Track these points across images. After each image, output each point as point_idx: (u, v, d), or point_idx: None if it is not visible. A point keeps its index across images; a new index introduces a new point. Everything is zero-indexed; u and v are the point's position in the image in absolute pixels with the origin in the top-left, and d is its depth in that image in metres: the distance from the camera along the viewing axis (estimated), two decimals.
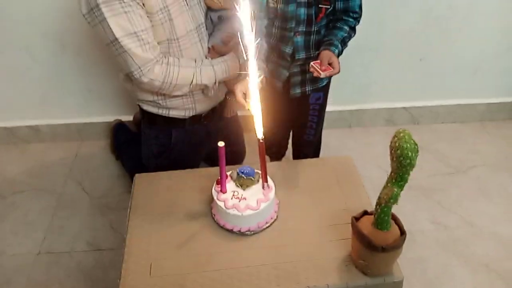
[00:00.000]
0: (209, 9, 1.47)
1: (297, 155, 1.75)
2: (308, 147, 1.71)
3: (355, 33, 1.39)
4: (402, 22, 1.91)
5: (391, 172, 0.92)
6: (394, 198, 0.91)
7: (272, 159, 1.81)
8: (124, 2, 1.22)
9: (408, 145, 0.85)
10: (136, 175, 1.36)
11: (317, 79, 1.40)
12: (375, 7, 1.80)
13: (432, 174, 1.98)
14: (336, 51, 1.31)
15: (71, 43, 1.89)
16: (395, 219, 1.02)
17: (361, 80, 2.09)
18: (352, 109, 2.19)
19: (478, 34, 1.98)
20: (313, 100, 1.54)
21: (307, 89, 1.49)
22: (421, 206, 1.82)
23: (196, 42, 1.42)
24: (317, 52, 1.36)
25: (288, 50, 1.38)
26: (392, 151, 0.87)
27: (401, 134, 0.86)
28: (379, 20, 1.88)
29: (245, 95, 1.21)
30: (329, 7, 1.32)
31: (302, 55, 1.39)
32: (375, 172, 1.92)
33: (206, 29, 1.46)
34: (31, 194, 1.90)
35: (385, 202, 0.92)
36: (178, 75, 1.34)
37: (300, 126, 1.64)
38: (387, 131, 2.15)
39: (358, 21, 1.38)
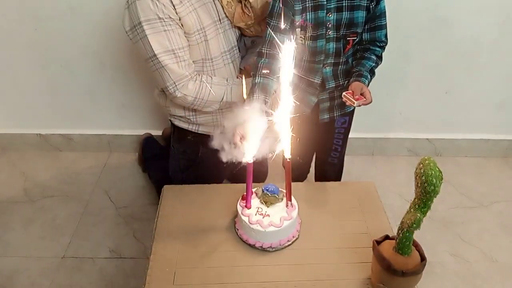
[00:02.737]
0: (243, 34, 1.55)
1: (319, 177, 1.78)
2: (331, 170, 1.73)
3: (381, 61, 1.43)
4: (429, 55, 1.95)
5: (415, 198, 0.95)
6: (417, 223, 0.93)
7: (293, 181, 1.82)
8: (164, 21, 1.30)
9: (433, 172, 0.88)
10: (165, 186, 1.41)
11: (344, 105, 1.43)
12: (403, 39, 1.85)
13: (454, 206, 1.97)
14: (366, 81, 1.36)
15: (109, 60, 2.00)
16: (416, 245, 1.03)
17: (386, 109, 2.12)
18: (375, 137, 2.22)
19: (503, 70, 2.00)
20: (338, 124, 1.58)
21: (335, 115, 1.52)
22: (442, 238, 1.82)
23: (228, 63, 1.49)
24: (346, 80, 1.41)
25: (317, 80, 1.42)
26: (417, 177, 0.90)
27: (427, 162, 0.89)
28: (406, 51, 1.92)
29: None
30: (356, 38, 1.37)
31: (332, 84, 1.43)
32: (396, 200, 1.94)
33: (239, 51, 1.54)
34: (59, 200, 1.98)
35: (408, 226, 0.94)
36: (210, 92, 1.40)
37: (325, 149, 1.67)
38: (409, 161, 2.21)
39: (384, 49, 1.42)
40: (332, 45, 1.35)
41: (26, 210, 1.92)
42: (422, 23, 1.86)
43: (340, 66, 1.41)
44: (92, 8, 1.84)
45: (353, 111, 1.60)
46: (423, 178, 0.88)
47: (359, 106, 1.32)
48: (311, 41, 1.34)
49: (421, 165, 0.90)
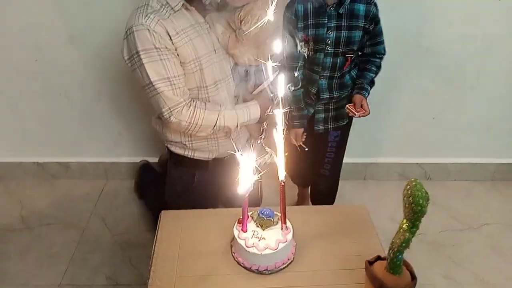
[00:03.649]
0: (236, 64, 1.62)
1: (314, 188, 1.90)
2: (324, 182, 1.84)
3: (380, 70, 1.60)
4: (416, 81, 2.04)
5: (404, 219, 1.00)
6: (406, 243, 0.98)
7: (299, 187, 2.00)
8: (161, 51, 1.36)
9: (420, 193, 0.93)
10: (163, 212, 1.44)
11: (338, 118, 1.61)
12: (391, 66, 1.91)
13: (444, 229, 2.02)
14: (366, 94, 1.55)
15: (106, 90, 2.07)
16: (407, 265, 1.07)
17: (376, 134, 2.20)
18: (366, 162, 2.28)
19: (487, 96, 2.09)
20: (331, 137, 1.71)
21: (329, 127, 1.66)
22: (433, 260, 1.86)
23: (222, 91, 1.55)
24: (340, 94, 1.57)
25: (314, 90, 1.57)
26: (405, 199, 0.95)
27: (413, 183, 0.94)
28: (394, 78, 2.00)
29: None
30: (353, 56, 1.51)
31: (325, 95, 1.58)
32: (388, 224, 1.95)
33: (233, 80, 1.60)
34: (56, 227, 2.00)
35: (398, 246, 0.99)
36: (203, 117, 1.45)
37: (318, 161, 1.79)
38: (400, 185, 2.19)
39: (383, 59, 1.59)
40: (329, 60, 1.51)
41: (23, 238, 1.94)
42: (409, 51, 1.95)
43: (334, 80, 1.55)
44: (91, 40, 1.92)
45: (347, 125, 1.72)
46: (411, 199, 0.93)
47: (359, 117, 1.50)
48: (312, 52, 1.52)
49: (408, 187, 0.95)
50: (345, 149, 1.80)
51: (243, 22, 1.45)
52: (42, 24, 1.88)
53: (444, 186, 2.28)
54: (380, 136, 2.22)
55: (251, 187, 1.18)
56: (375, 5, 1.47)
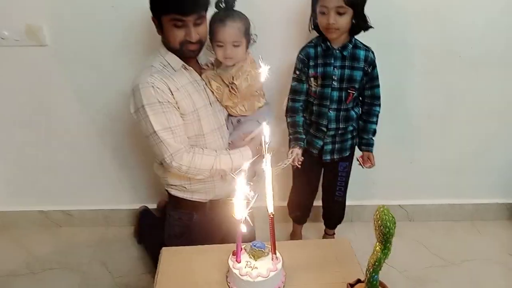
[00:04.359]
0: (230, 115, 1.82)
1: (327, 213, 2.19)
2: (337, 207, 2.15)
3: (379, 115, 1.90)
4: (391, 128, 2.23)
5: (376, 242, 1.15)
6: (379, 262, 1.12)
7: (295, 222, 2.22)
8: (163, 104, 1.56)
9: (387, 217, 1.09)
10: (163, 248, 1.57)
11: (342, 150, 1.94)
12: None
13: (427, 266, 2.14)
14: (372, 149, 1.92)
15: (109, 140, 2.23)
16: (383, 285, 1.21)
17: (361, 179, 2.34)
18: (353, 205, 2.42)
19: (454, 140, 2.29)
20: (341, 168, 2.01)
21: (335, 157, 1.93)
22: None
23: (218, 138, 1.74)
24: (345, 125, 1.86)
25: (324, 122, 1.84)
26: (375, 222, 1.11)
27: (381, 209, 1.11)
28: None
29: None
30: (355, 92, 1.79)
31: (333, 125, 1.84)
32: None
33: (227, 128, 1.79)
34: (58, 272, 2.09)
35: (372, 266, 1.13)
36: (201, 161, 1.62)
37: (331, 189, 2.07)
38: None
39: (380, 106, 1.88)
40: (336, 93, 1.78)
41: (27, 282, 2.03)
42: (383, 104, 2.15)
43: (341, 112, 1.83)
44: (97, 97, 2.11)
45: (351, 156, 2.00)
46: (379, 222, 1.09)
47: (367, 168, 1.96)
48: (320, 88, 1.78)
49: (377, 212, 1.11)
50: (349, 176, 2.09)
51: (234, 77, 1.67)
52: (51, 82, 2.07)
53: (425, 226, 2.42)
54: (364, 180, 2.38)
55: (245, 219, 1.33)
56: (373, 52, 1.77)
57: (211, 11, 1.61)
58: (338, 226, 2.37)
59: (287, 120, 1.89)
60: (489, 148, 2.33)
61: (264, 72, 1.53)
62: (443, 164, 2.35)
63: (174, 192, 1.77)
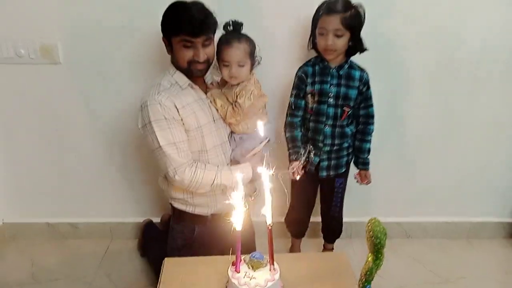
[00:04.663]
0: (232, 132, 1.90)
1: (325, 227, 2.27)
2: (335, 222, 2.23)
3: (373, 133, 2.00)
4: (390, 148, 2.32)
5: (369, 252, 1.21)
6: (371, 271, 1.19)
7: (293, 236, 2.28)
8: (169, 121, 1.65)
9: (378, 228, 1.16)
10: (166, 259, 1.63)
11: (337, 167, 2.02)
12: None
13: (424, 282, 2.18)
14: (368, 167, 2.04)
15: (116, 155, 2.32)
16: None
17: (360, 196, 2.41)
18: (352, 221, 2.47)
19: (454, 158, 2.37)
20: (337, 184, 2.09)
21: (330, 173, 2.02)
22: None
23: (220, 154, 1.81)
24: (340, 142, 1.96)
25: (320, 138, 1.93)
26: (367, 233, 1.18)
27: (373, 221, 1.18)
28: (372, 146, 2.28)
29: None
30: (349, 110, 1.88)
31: (329, 141, 1.93)
32: None
33: (230, 145, 1.87)
34: (64, 282, 2.15)
35: (364, 275, 1.20)
36: (203, 176, 1.69)
37: (328, 205, 2.17)
38: None
39: (374, 124, 1.98)
40: (331, 110, 1.88)
41: None
42: (382, 122, 2.22)
43: (337, 128, 1.92)
44: (106, 113, 2.21)
45: (346, 173, 2.08)
46: (371, 233, 1.16)
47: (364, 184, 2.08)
48: (316, 104, 1.88)
49: (369, 224, 1.18)
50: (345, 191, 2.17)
51: (238, 96, 1.76)
52: (63, 98, 2.18)
53: (422, 243, 2.47)
54: (363, 197, 2.44)
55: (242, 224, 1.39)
56: (367, 73, 1.89)
57: (218, 33, 1.72)
58: (338, 242, 2.43)
59: (285, 135, 1.98)
60: (486, 167, 2.40)
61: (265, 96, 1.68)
62: (440, 182, 2.41)
63: (177, 205, 1.84)
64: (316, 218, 2.29)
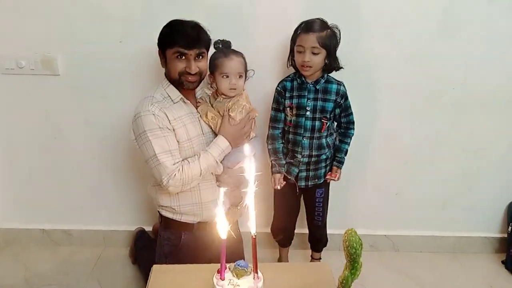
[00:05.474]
0: None
1: (311, 236, 2.35)
2: (319, 230, 2.30)
3: (352, 137, 2.09)
4: (378, 161, 2.39)
5: (346, 262, 1.26)
6: (346, 280, 1.24)
7: (280, 245, 2.34)
8: (163, 130, 1.71)
9: (354, 238, 1.22)
10: (154, 266, 1.67)
11: (316, 177, 2.10)
12: (356, 149, 2.24)
13: None
14: (342, 166, 2.10)
15: (111, 163, 2.38)
16: None
17: (348, 209, 2.48)
18: (341, 234, 2.50)
19: (441, 174, 2.42)
20: (318, 194, 2.17)
21: (309, 184, 2.09)
22: None
23: None
24: (318, 153, 2.03)
25: (299, 149, 2.01)
26: (343, 243, 1.23)
27: (349, 231, 1.23)
28: (359, 159, 2.35)
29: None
30: (328, 122, 1.97)
31: (306, 153, 2.01)
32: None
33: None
34: None
35: (340, 284, 1.25)
36: (190, 169, 1.72)
37: (311, 214, 2.25)
38: (371, 256, 2.50)
39: (354, 129, 2.07)
40: (309, 123, 1.97)
41: None
42: (370, 135, 2.32)
43: (314, 140, 1.99)
44: (103, 123, 2.28)
45: (325, 183, 2.15)
46: (347, 243, 1.21)
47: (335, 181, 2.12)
48: (295, 117, 1.98)
49: (346, 234, 1.23)
50: (328, 201, 2.23)
51: (231, 110, 1.82)
52: (61, 108, 2.25)
53: (410, 257, 2.51)
54: (352, 210, 2.50)
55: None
56: (344, 85, 1.98)
57: (211, 51, 1.80)
58: (327, 254, 2.46)
59: (268, 147, 2.09)
60: (472, 183, 2.46)
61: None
62: (427, 197, 2.47)
63: (164, 213, 1.89)
64: (304, 229, 2.34)
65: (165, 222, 1.91)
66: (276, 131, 2.06)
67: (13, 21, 2.08)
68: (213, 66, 1.81)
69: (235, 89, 1.79)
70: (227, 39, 1.80)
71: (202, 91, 1.92)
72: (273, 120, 2.05)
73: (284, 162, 2.05)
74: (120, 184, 2.43)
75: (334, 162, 2.11)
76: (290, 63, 1.99)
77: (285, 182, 2.06)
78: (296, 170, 2.06)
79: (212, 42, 1.79)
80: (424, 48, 2.15)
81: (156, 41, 1.75)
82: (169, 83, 1.79)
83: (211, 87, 1.89)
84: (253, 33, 2.10)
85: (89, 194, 2.45)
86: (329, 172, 2.10)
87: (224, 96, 1.84)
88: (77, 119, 2.28)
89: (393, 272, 2.39)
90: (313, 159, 2.03)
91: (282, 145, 2.06)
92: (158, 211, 1.92)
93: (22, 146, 2.36)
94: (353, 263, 1.24)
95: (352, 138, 2.09)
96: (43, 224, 2.51)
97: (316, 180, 2.10)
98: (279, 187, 2.05)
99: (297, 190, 2.11)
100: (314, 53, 1.85)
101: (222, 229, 1.46)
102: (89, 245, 2.51)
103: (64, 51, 2.13)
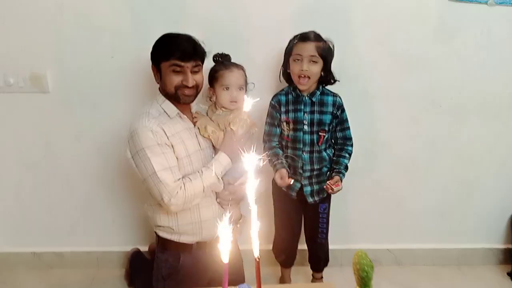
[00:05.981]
0: None
1: (311, 256, 2.24)
2: (321, 249, 2.20)
3: (351, 154, 2.00)
4: (376, 172, 2.35)
5: (356, 285, 1.20)
6: None
7: (282, 266, 2.25)
8: (162, 146, 1.65)
9: (365, 261, 1.16)
10: None
11: (320, 192, 2.01)
12: (353, 160, 2.19)
13: None
14: (343, 176, 1.94)
15: (103, 181, 2.30)
16: None
17: (349, 223, 2.43)
18: (342, 249, 2.46)
19: (440, 184, 2.39)
20: (321, 209, 2.08)
21: (316, 199, 2.03)
22: None
23: None
24: (319, 167, 1.97)
25: (300, 164, 1.94)
26: (353, 266, 1.17)
27: (360, 253, 1.17)
28: (356, 171, 2.23)
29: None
30: (325, 135, 1.92)
31: (308, 167, 1.95)
32: None
33: None
34: None
35: None
36: (193, 188, 1.67)
37: (314, 231, 2.14)
38: (374, 271, 2.41)
39: (352, 146, 1.99)
40: (307, 137, 1.92)
41: None
42: (367, 146, 2.27)
43: (314, 154, 1.94)
44: (94, 137, 2.21)
45: (328, 197, 2.06)
46: (358, 266, 1.15)
47: (335, 192, 1.89)
48: (292, 132, 1.93)
49: (356, 257, 1.17)
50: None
51: (232, 123, 1.77)
52: (51, 127, 2.18)
53: (413, 271, 2.45)
54: (353, 224, 2.44)
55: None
56: (340, 97, 1.94)
57: (207, 63, 1.76)
58: (328, 270, 2.40)
59: (267, 153, 1.97)
60: (472, 193, 2.42)
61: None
62: (428, 208, 2.42)
63: (161, 233, 1.81)
64: (304, 245, 2.27)
65: (163, 244, 1.83)
66: (273, 143, 1.99)
67: (1, 38, 2.02)
68: (214, 79, 1.78)
69: (236, 101, 1.76)
70: (226, 53, 1.78)
71: (197, 106, 1.87)
72: (268, 135, 2.00)
73: (285, 161, 1.96)
74: (113, 204, 2.35)
75: (334, 173, 1.95)
76: (283, 76, 1.95)
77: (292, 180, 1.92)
78: (299, 185, 2.00)
79: (207, 55, 1.74)
80: (421, 56, 2.14)
81: (148, 56, 1.70)
82: (164, 98, 1.73)
83: (210, 99, 1.84)
84: (244, 46, 2.07)
85: (81, 213, 2.36)
86: (329, 181, 1.90)
87: (224, 109, 1.80)
88: (66, 139, 2.21)
89: (397, 287, 2.33)
90: (315, 172, 1.98)
91: (281, 151, 1.99)
92: (155, 232, 1.84)
93: (9, 166, 2.28)
94: (364, 286, 1.17)
95: (350, 158, 1.99)
96: (34, 247, 2.41)
97: (320, 194, 2.03)
98: (291, 182, 1.89)
99: (301, 206, 2.07)
100: (312, 62, 1.82)
101: (224, 252, 1.40)
102: (82, 267, 2.42)
103: (54, 68, 2.07)
